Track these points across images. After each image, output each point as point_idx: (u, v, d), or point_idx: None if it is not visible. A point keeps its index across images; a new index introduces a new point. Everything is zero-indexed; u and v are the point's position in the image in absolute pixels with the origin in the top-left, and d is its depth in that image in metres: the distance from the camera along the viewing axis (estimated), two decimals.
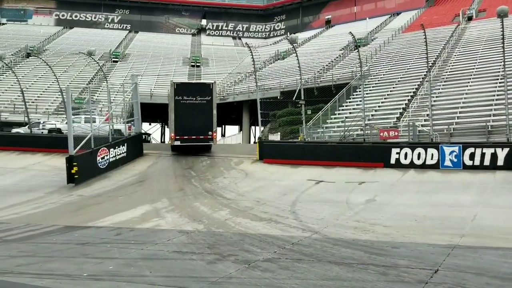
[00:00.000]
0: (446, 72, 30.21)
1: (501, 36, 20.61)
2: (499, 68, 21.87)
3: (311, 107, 29.18)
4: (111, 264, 6.38)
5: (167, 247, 7.42)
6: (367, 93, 29.33)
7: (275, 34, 65.13)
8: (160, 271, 5.96)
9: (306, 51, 46.96)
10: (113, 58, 46.00)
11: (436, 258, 6.32)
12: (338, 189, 13.32)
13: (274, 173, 16.72)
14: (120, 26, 60.89)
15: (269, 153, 19.83)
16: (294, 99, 25.82)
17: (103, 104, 30.52)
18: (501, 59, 21.15)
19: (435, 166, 16.36)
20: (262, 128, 26.79)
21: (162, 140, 46.75)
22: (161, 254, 6.96)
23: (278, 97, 35.35)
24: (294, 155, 19.19)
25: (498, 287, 5.14)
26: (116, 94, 29.97)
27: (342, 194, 12.31)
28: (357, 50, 29.28)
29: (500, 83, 22.28)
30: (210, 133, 19.96)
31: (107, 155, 17.39)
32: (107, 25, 60.87)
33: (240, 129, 43.76)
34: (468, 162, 15.89)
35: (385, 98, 28.30)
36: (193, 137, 19.68)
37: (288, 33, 57.88)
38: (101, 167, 17.05)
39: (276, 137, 28.57)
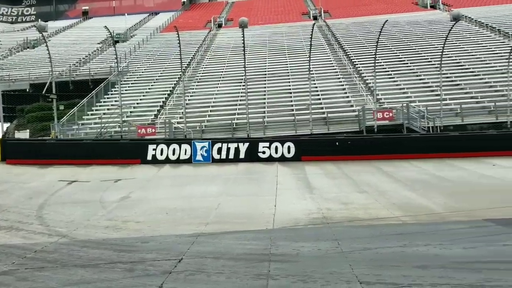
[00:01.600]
0: (200, 73, 32.49)
1: (243, 44, 23.45)
2: (243, 72, 24.85)
3: (65, 102, 27.20)
4: None
5: None
6: (126, 90, 29.09)
7: (24, 20, 58.12)
8: None
9: (61, 42, 43.47)
10: None
11: (181, 248, 6.76)
12: (92, 188, 12.86)
13: (19, 175, 14.98)
14: None
15: (14, 152, 17.69)
16: (44, 92, 23.62)
17: None
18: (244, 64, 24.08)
19: (188, 161, 17.52)
20: (6, 125, 23.53)
21: None
22: None
23: (27, 90, 31.70)
24: (44, 154, 17.63)
25: (232, 267, 5.83)
26: None
27: (96, 193, 11.93)
28: (114, 45, 28.71)
29: (243, 86, 25.28)
30: None
31: None
32: None
33: None
34: (216, 156, 17.58)
35: (143, 96, 28.60)
36: None
37: (40, 19, 52.37)
38: None
39: (24, 134, 25.57)
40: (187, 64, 33.40)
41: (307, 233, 7.50)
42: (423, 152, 18.25)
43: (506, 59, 23.76)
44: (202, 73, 32.14)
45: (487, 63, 29.06)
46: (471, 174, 14.26)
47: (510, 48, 25.15)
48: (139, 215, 9.50)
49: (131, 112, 25.83)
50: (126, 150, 17.90)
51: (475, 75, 27.53)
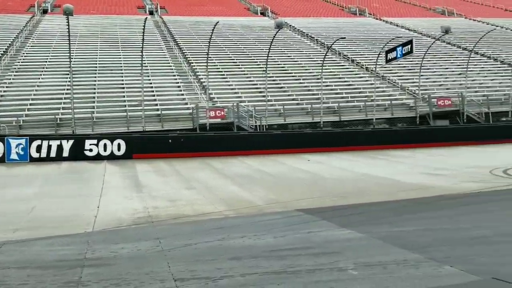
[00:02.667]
0: (19, 62, 29.07)
1: (71, 33, 21.68)
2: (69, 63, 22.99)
3: None
4: None
5: None
6: None
7: None
8: None
9: None
10: None
11: None
12: None
13: None
14: None
15: None
16: None
17: None
18: (71, 55, 22.29)
19: (1, 160, 15.50)
20: None
21: None
22: None
23: None
24: None
25: (39, 276, 5.31)
26: None
27: None
28: None
29: (69, 78, 23.39)
30: None
31: None
32: None
33: None
34: (35, 155, 15.94)
35: None
36: None
37: None
38: None
39: None
40: (3, 51, 29.52)
41: (129, 234, 7.29)
42: (251, 149, 19.42)
43: (321, 65, 26.76)
44: (22, 62, 28.78)
45: (306, 69, 32.30)
46: (290, 168, 15.68)
47: (323, 55, 28.41)
48: None
49: None
50: None
51: (296, 79, 30.38)
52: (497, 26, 45.64)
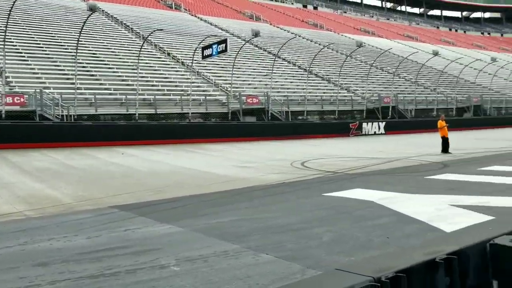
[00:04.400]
0: None
1: None
2: None
3: None
4: None
5: None
6: None
7: None
8: None
9: None
10: None
11: None
12: None
13: None
14: None
15: None
16: None
17: None
18: None
19: None
20: None
21: None
22: None
23: None
24: None
25: None
26: None
27: None
28: None
29: None
30: None
31: None
32: None
33: None
34: None
35: None
36: None
37: None
38: None
39: None
40: None
41: None
42: (56, 141, 17.70)
43: (137, 56, 25.98)
44: None
45: (120, 58, 30.95)
46: (102, 162, 14.80)
47: (140, 46, 27.65)
48: None
49: None
50: None
51: (109, 68, 28.86)
52: (297, 35, 51.40)
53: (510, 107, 47.53)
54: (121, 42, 34.58)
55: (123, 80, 27.60)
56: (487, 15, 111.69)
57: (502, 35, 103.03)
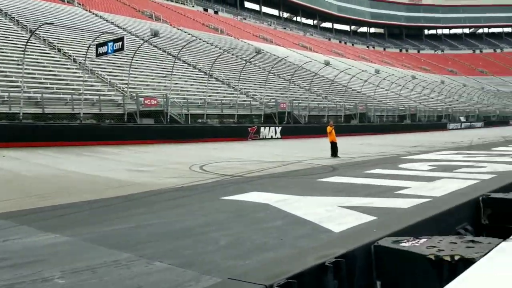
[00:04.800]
0: None
1: None
2: None
3: None
4: None
5: None
6: None
7: None
8: None
9: None
10: None
11: None
12: None
13: None
14: None
15: None
16: None
17: None
18: None
19: None
20: None
21: None
22: None
23: None
24: None
25: None
26: None
27: None
28: None
29: None
30: None
31: None
32: None
33: None
34: None
35: None
36: None
37: None
38: None
39: None
40: None
41: None
42: None
43: (23, 50, 23.85)
44: None
45: (3, 52, 28.22)
46: None
47: (26, 40, 25.46)
48: None
49: None
50: None
51: None
52: (197, 38, 51.22)
53: (390, 115, 52.29)
54: (4, 34, 31.50)
55: (5, 76, 25.14)
56: (372, 30, 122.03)
57: (384, 49, 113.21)
